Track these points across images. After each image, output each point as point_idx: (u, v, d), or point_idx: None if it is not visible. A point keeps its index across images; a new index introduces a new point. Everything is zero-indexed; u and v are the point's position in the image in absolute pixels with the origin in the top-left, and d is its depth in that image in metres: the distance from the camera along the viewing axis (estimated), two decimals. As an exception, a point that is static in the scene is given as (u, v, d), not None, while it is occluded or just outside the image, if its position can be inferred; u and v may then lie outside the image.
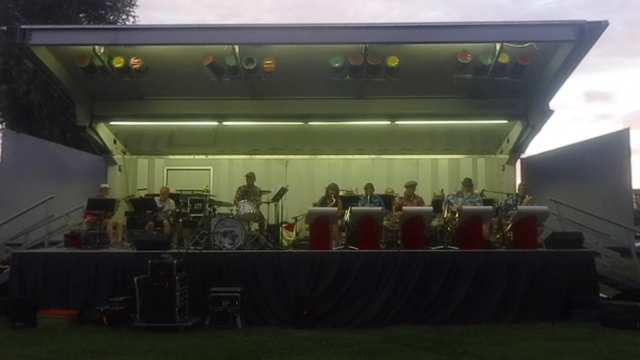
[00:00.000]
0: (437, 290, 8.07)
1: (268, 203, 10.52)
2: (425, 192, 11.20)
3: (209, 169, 12.99)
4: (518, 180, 11.78)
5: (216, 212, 9.69)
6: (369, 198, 9.91)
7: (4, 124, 17.74)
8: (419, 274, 8.11)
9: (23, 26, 8.94)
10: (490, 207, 9.47)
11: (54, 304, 8.11)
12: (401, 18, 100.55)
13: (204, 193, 10.86)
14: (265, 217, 10.33)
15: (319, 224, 8.78)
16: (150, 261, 7.63)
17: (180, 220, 10.48)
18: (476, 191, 10.26)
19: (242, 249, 8.70)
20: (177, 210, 10.40)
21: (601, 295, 8.69)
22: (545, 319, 7.79)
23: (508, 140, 11.93)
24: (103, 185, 10.70)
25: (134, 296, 7.64)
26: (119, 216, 10.71)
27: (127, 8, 19.16)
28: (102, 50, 9.52)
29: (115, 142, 12.17)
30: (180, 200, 10.81)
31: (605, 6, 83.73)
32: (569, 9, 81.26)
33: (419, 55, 9.68)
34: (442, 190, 11.43)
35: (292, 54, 9.55)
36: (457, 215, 9.12)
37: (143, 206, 10.16)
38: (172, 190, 11.42)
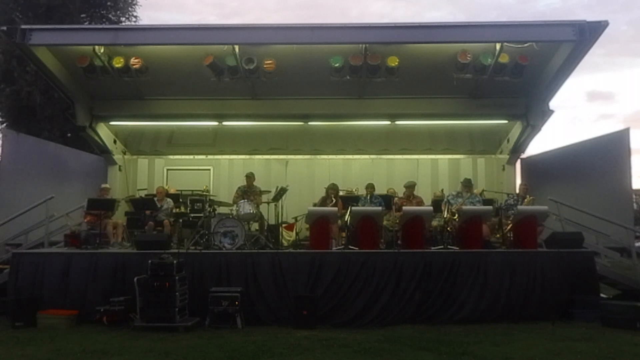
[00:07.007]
0: (437, 290, 8.06)
1: (268, 203, 10.53)
2: (425, 192, 11.20)
3: (209, 169, 12.99)
4: (518, 180, 11.80)
5: (216, 212, 9.70)
6: (369, 198, 9.90)
7: (4, 124, 17.75)
8: (419, 274, 8.11)
9: (23, 26, 8.94)
10: (490, 207, 9.45)
11: (54, 304, 8.09)
12: (405, 18, 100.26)
13: (204, 193, 10.87)
14: (265, 217, 10.34)
15: (319, 224, 8.78)
16: (150, 261, 7.64)
17: (180, 220, 10.50)
18: (476, 191, 10.26)
19: (242, 249, 8.70)
20: (175, 206, 10.40)
21: (601, 295, 8.69)
22: (545, 319, 7.78)
23: (508, 140, 11.94)
24: (103, 186, 10.71)
25: (134, 296, 7.64)
26: (119, 216, 10.70)
27: (130, 8, 19.20)
28: (102, 50, 9.54)
29: (115, 142, 12.18)
30: (180, 200, 10.83)
31: (609, 6, 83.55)
32: (573, 9, 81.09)
33: (419, 55, 9.69)
34: (442, 190, 11.43)
35: (292, 54, 9.54)
36: (456, 216, 9.12)
37: (143, 206, 10.15)
38: (172, 191, 11.47)
